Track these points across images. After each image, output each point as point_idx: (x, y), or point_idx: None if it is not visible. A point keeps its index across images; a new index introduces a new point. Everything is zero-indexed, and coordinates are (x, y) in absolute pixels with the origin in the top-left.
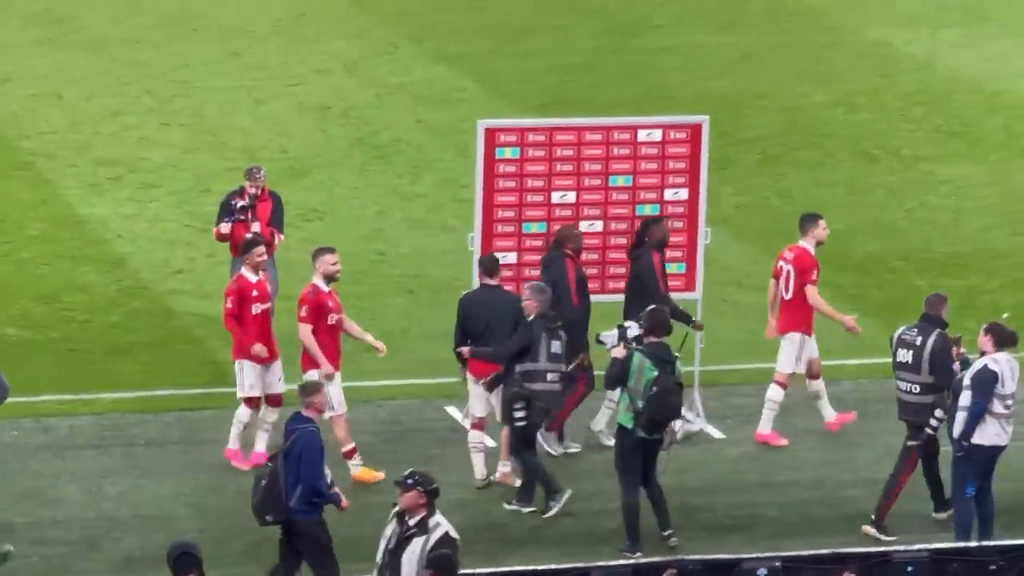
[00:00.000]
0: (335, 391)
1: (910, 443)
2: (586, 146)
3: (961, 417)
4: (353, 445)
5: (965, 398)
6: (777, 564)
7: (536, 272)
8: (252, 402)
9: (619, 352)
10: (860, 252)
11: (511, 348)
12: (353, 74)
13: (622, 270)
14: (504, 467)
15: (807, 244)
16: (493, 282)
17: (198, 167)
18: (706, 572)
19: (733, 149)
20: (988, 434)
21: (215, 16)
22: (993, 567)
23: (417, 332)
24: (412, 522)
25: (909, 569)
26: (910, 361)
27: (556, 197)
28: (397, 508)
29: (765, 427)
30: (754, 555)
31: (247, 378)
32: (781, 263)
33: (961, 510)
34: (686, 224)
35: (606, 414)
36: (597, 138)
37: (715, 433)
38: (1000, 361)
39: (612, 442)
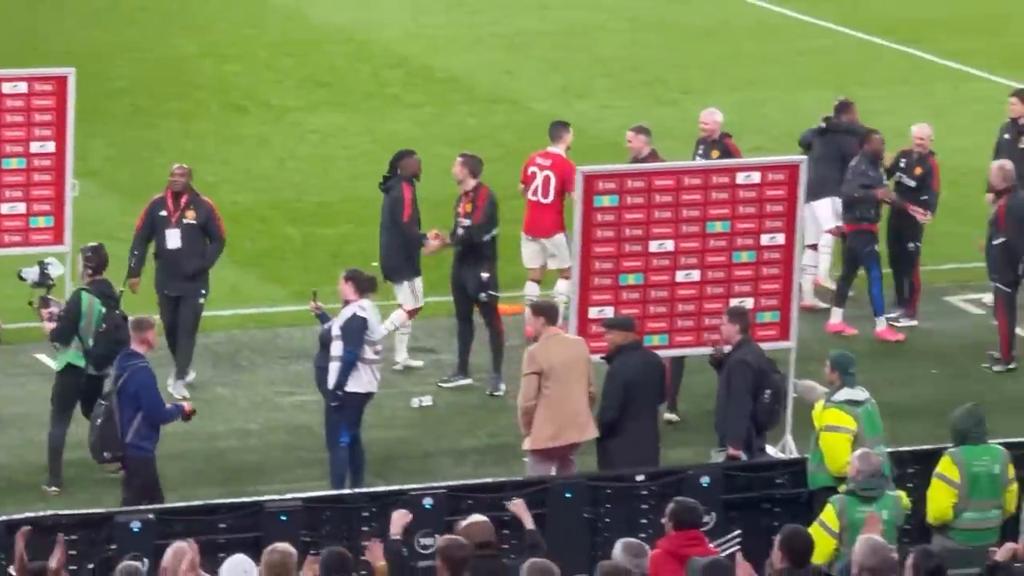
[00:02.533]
0: None
1: None
2: None
3: (334, 367)
4: None
5: (336, 348)
6: (151, 517)
7: None
8: None
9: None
10: (231, 202)
11: None
12: None
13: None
14: None
15: (559, 150)
16: None
17: None
18: (81, 527)
19: (103, 101)
20: (362, 382)
21: None
22: (365, 514)
23: None
24: None
25: (283, 519)
26: None
27: None
28: None
29: None
30: (127, 508)
31: None
32: (534, 169)
33: (336, 459)
34: (54, 177)
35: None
36: None
37: None
38: (366, 308)
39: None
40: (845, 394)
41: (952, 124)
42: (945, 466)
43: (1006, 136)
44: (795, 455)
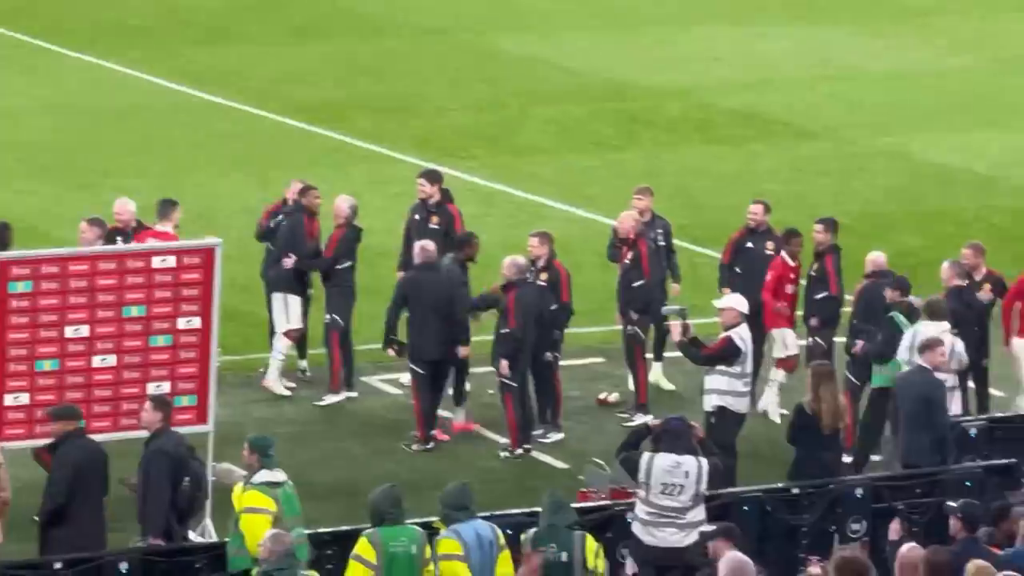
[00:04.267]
0: None
1: None
2: None
3: None
4: None
5: None
6: None
7: None
8: None
9: None
10: None
11: None
12: None
13: None
14: None
15: (169, 228)
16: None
17: None
18: None
19: None
20: None
21: None
22: None
23: None
24: None
25: None
26: None
27: None
28: None
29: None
30: None
31: None
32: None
33: None
34: None
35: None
36: None
37: None
38: None
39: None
40: (264, 476)
41: (368, 206)
42: (362, 547)
43: (416, 216)
44: (215, 539)
